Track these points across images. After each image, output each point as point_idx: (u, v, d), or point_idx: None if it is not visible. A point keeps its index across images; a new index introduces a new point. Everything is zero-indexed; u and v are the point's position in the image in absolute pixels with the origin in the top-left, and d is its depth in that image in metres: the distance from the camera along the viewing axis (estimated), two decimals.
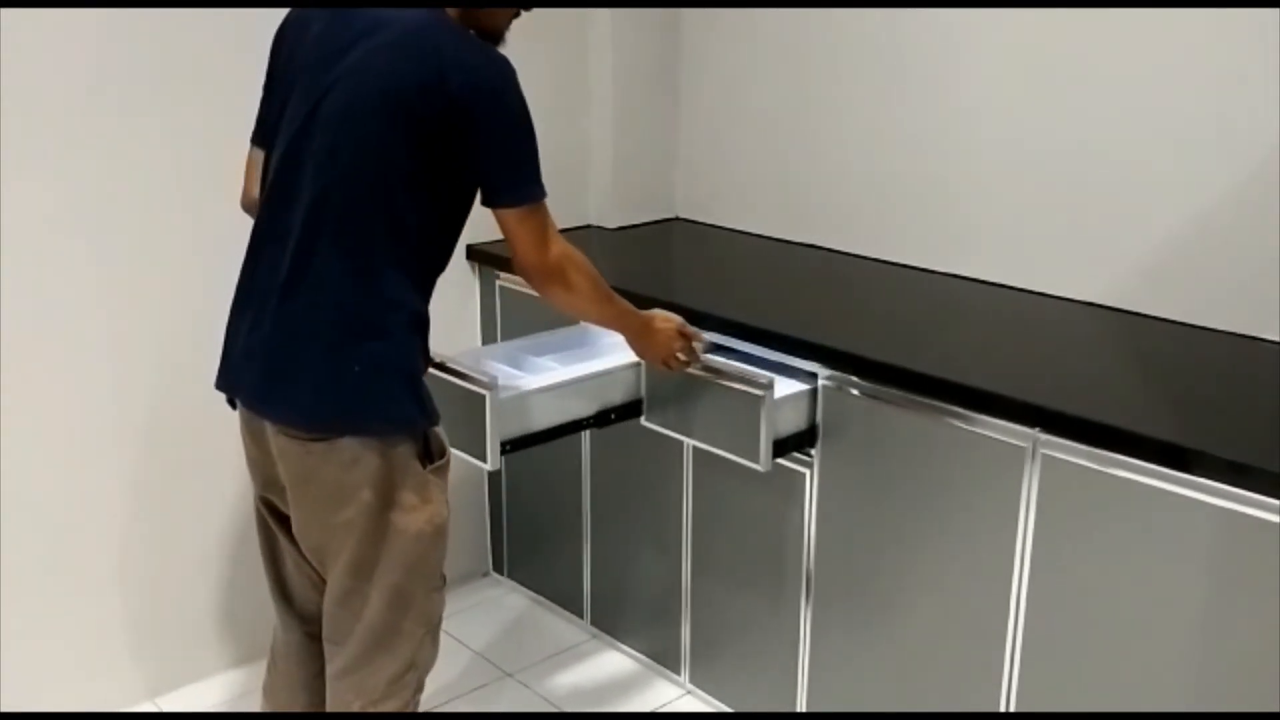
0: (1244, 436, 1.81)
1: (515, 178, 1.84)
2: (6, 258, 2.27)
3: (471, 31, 1.86)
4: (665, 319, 2.20)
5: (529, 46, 2.95)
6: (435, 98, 1.75)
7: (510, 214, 1.85)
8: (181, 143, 2.42)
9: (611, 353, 2.43)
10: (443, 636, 2.89)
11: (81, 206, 2.34)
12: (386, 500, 1.83)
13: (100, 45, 2.30)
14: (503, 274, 2.91)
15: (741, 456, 2.23)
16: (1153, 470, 1.80)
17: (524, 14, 1.96)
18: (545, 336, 2.57)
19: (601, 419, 2.36)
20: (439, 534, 1.90)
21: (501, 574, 3.21)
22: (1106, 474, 1.86)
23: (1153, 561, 1.83)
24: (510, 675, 2.80)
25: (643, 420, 2.41)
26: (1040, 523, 1.96)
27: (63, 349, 2.37)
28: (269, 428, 1.84)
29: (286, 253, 1.79)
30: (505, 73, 1.81)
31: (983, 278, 2.64)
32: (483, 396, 2.09)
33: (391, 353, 1.80)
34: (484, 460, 2.14)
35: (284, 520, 1.95)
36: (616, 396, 2.36)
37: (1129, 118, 2.35)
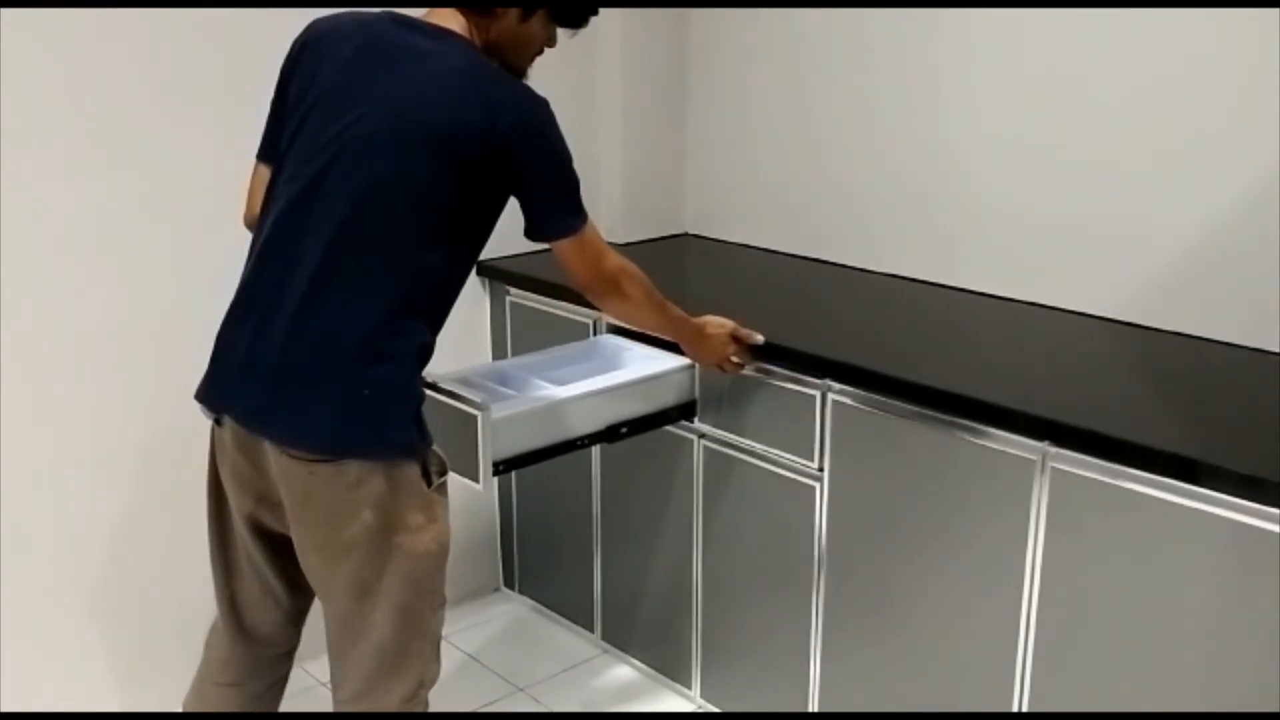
0: (1254, 449, 1.81)
1: (563, 210, 1.92)
2: (7, 271, 2.28)
3: (495, 62, 1.89)
4: (719, 324, 2.29)
5: (540, 65, 2.98)
6: (483, 139, 1.77)
7: (563, 243, 1.94)
8: (188, 158, 2.43)
9: (614, 369, 2.44)
10: (455, 652, 2.93)
11: (84, 219, 2.35)
12: (391, 522, 1.82)
13: (107, 56, 2.32)
14: (513, 289, 2.92)
15: (795, 455, 2.30)
16: (1163, 483, 1.80)
17: (546, 50, 1.99)
18: (555, 351, 2.58)
19: (610, 434, 2.36)
20: (444, 551, 1.91)
21: (512, 589, 3.21)
22: (1116, 486, 1.86)
23: (1163, 574, 1.83)
24: (522, 689, 2.81)
25: (695, 422, 2.48)
26: (1050, 535, 1.96)
27: (63, 363, 2.39)
28: (269, 447, 1.82)
29: (302, 272, 1.78)
30: (547, 112, 1.85)
31: (991, 292, 2.64)
32: (474, 417, 2.09)
33: (398, 377, 1.81)
34: (476, 481, 2.13)
35: (267, 538, 1.94)
36: (616, 414, 2.36)
37: (1137, 129, 2.36)
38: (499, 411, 2.14)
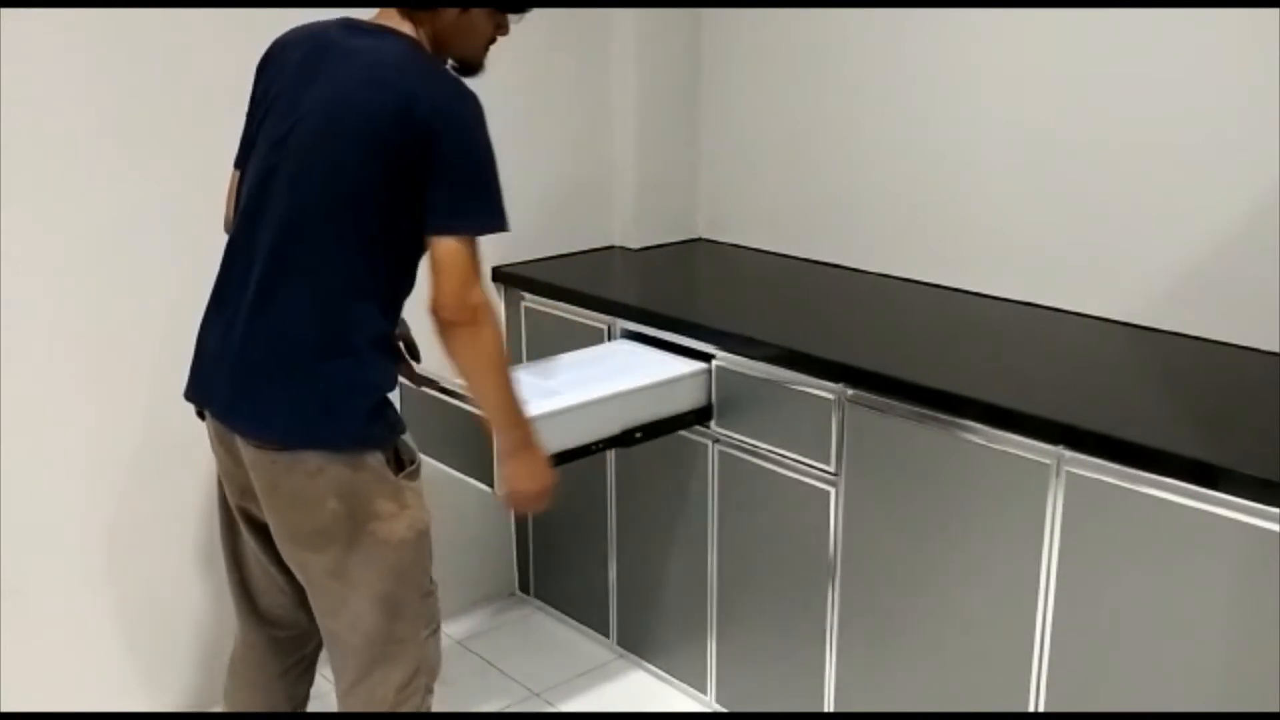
0: (1271, 453, 1.80)
1: (461, 205, 1.83)
2: (24, 279, 2.29)
3: (450, 62, 1.94)
4: (548, 461, 2.07)
5: (553, 71, 2.98)
6: (405, 127, 1.79)
7: (445, 241, 1.82)
8: (193, 161, 2.42)
9: (628, 374, 2.45)
10: (470, 656, 2.93)
11: (89, 221, 2.36)
12: (361, 511, 1.87)
13: (108, 58, 2.32)
14: (528, 295, 2.93)
15: (810, 459, 2.30)
16: (1178, 487, 1.80)
17: (500, 40, 2.00)
18: (569, 356, 2.58)
19: (625, 439, 2.37)
20: (421, 538, 1.95)
21: (528, 594, 3.22)
22: (1132, 491, 1.85)
23: (1178, 578, 1.83)
24: (537, 694, 2.81)
25: (710, 426, 2.48)
26: (1065, 539, 1.96)
27: (79, 366, 2.40)
28: (239, 439, 1.90)
29: (256, 270, 1.85)
30: (470, 105, 1.85)
31: (1005, 295, 2.64)
32: (487, 422, 2.09)
33: (356, 371, 1.85)
34: (490, 486, 2.14)
35: (257, 527, 2.00)
36: (648, 414, 2.37)
37: (1153, 132, 2.35)
38: None
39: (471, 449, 2.14)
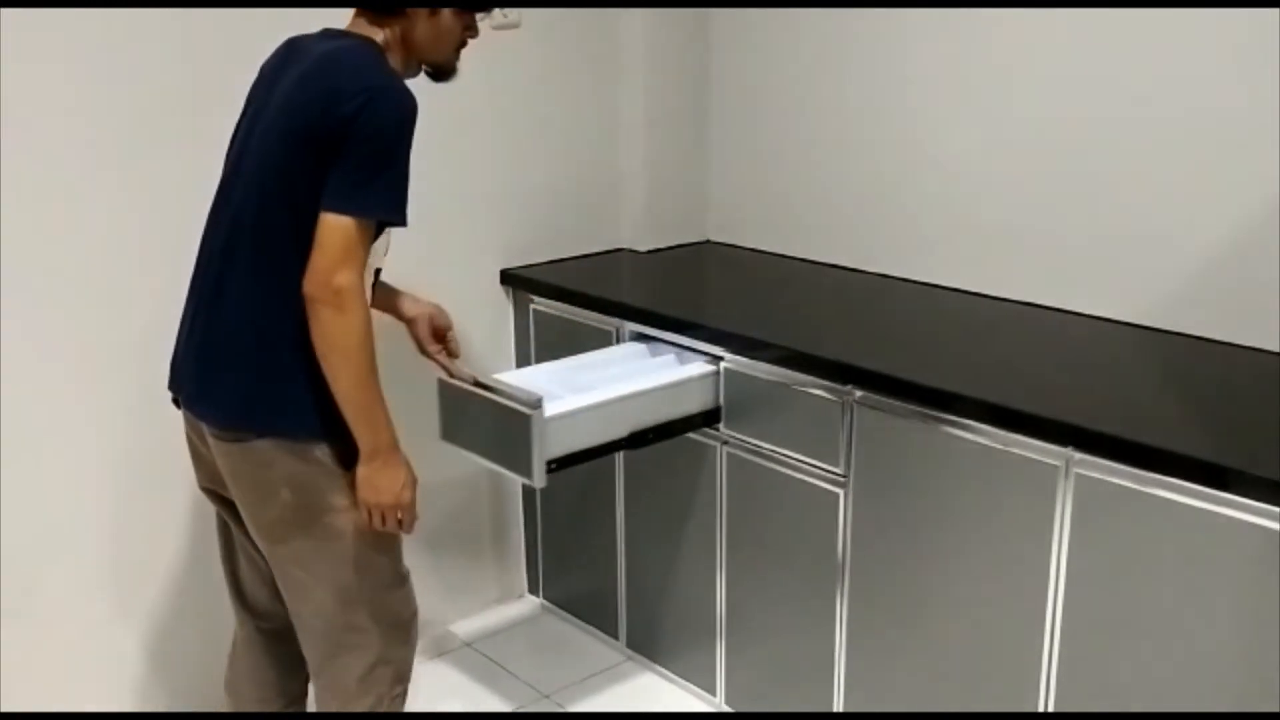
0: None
1: (356, 187, 1.80)
2: (42, 281, 2.31)
3: (424, 68, 1.99)
4: (412, 474, 1.97)
5: (561, 74, 2.98)
6: (328, 120, 1.81)
7: (331, 217, 1.80)
8: (177, 160, 2.42)
9: (637, 376, 2.46)
10: (479, 658, 2.94)
11: (74, 219, 2.36)
12: (314, 503, 1.92)
13: (99, 59, 2.32)
14: (536, 298, 2.93)
15: (818, 461, 2.30)
16: (1188, 489, 1.80)
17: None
18: (578, 359, 2.59)
19: (637, 440, 2.37)
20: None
21: (537, 595, 3.22)
22: (1141, 493, 1.85)
23: (1189, 580, 1.83)
24: (546, 696, 2.82)
25: (721, 427, 2.49)
26: (1075, 541, 1.96)
27: (90, 367, 2.41)
28: (204, 427, 1.97)
29: (214, 266, 1.93)
30: (395, 99, 1.83)
31: (1013, 297, 2.64)
32: (528, 416, 2.13)
33: (302, 363, 1.87)
34: (531, 479, 2.20)
35: (228, 505, 2.05)
36: (659, 415, 2.39)
37: (1162, 133, 2.35)
38: (552, 410, 2.19)
39: (509, 443, 2.17)
